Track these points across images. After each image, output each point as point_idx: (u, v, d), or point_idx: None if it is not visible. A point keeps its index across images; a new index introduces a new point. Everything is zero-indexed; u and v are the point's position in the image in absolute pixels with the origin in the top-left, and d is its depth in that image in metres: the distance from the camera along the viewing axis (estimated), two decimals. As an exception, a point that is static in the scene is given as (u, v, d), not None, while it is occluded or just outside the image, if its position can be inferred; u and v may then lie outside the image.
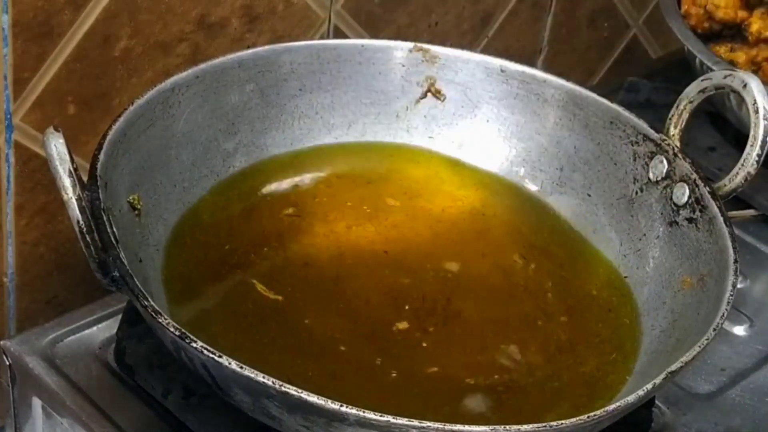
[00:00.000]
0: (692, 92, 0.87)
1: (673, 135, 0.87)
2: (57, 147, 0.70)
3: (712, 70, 1.04)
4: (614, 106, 0.90)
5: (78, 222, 0.70)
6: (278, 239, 0.85)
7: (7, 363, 0.84)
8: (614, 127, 0.89)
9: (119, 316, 0.83)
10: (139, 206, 0.79)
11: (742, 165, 0.83)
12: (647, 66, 1.31)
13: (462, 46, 0.95)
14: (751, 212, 1.02)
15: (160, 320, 0.67)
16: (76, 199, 0.70)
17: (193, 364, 0.68)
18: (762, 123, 0.82)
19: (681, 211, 0.84)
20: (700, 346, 0.71)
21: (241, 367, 0.65)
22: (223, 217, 0.85)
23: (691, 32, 1.11)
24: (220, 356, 0.65)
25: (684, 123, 0.87)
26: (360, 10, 1.04)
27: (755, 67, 1.11)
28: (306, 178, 0.90)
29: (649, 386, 0.69)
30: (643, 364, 0.79)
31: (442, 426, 0.64)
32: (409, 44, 0.93)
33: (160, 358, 0.79)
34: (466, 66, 0.93)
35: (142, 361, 0.80)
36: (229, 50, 0.89)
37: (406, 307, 0.81)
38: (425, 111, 0.93)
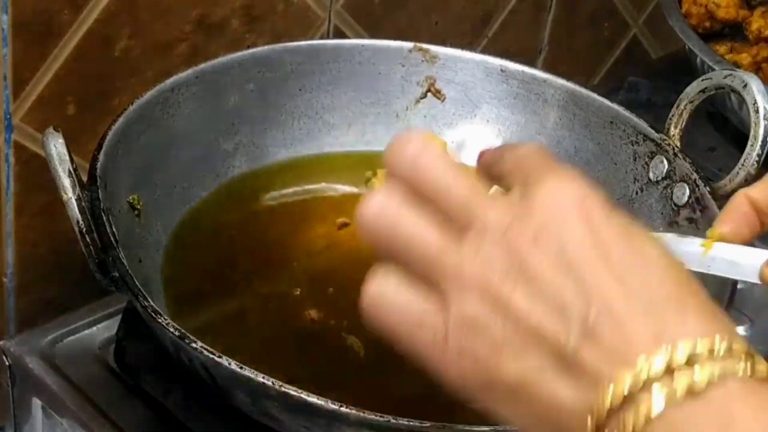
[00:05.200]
0: (692, 92, 0.86)
1: (674, 135, 0.87)
2: (57, 147, 0.70)
3: (713, 69, 1.04)
4: (614, 106, 0.90)
5: (78, 222, 0.70)
6: (278, 240, 0.85)
7: (7, 363, 0.84)
8: (614, 127, 0.89)
9: (119, 317, 0.83)
10: (138, 206, 0.79)
11: (743, 165, 0.83)
12: (647, 66, 1.31)
13: (462, 46, 0.95)
14: (751, 212, 1.02)
15: (159, 320, 0.67)
16: (76, 200, 0.70)
17: (193, 365, 0.68)
18: (762, 123, 0.82)
19: (681, 211, 0.84)
20: (700, 347, 0.71)
21: (241, 368, 0.65)
22: (223, 217, 0.85)
23: (692, 31, 1.11)
24: (219, 356, 0.65)
25: (684, 123, 0.87)
26: (360, 10, 1.03)
27: (756, 67, 1.11)
28: (305, 180, 0.90)
29: (650, 386, 0.68)
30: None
31: (441, 426, 0.64)
32: (409, 44, 0.93)
33: (159, 359, 0.79)
34: (466, 66, 0.93)
35: (142, 362, 0.80)
36: (229, 50, 0.89)
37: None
38: (425, 111, 0.93)
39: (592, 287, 0.49)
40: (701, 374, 0.46)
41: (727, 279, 0.76)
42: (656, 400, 0.46)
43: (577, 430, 0.48)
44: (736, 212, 0.69)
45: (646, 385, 0.46)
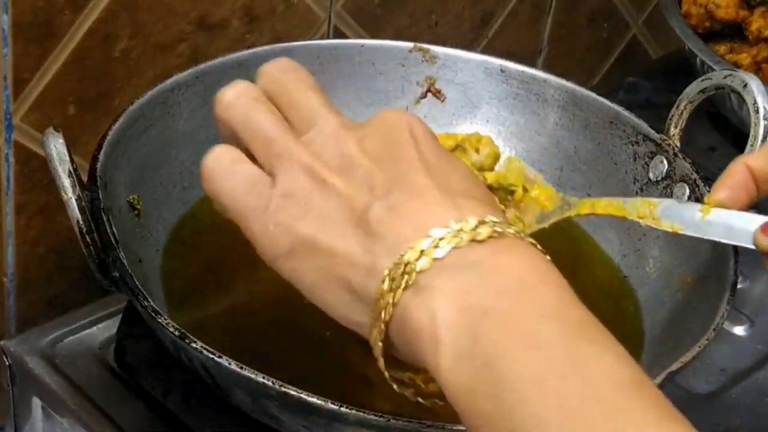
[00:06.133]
0: (692, 92, 0.86)
1: (673, 135, 0.87)
2: (57, 147, 0.70)
3: (713, 69, 1.04)
4: (614, 106, 0.90)
5: (78, 222, 0.70)
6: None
7: (7, 363, 0.84)
8: (614, 127, 0.89)
9: (119, 316, 0.83)
10: (139, 206, 0.79)
11: (742, 165, 0.83)
12: (647, 66, 1.31)
13: (462, 47, 0.95)
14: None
15: (159, 320, 0.67)
16: (76, 199, 0.70)
17: (193, 365, 0.68)
18: (762, 123, 0.82)
19: (681, 212, 0.84)
20: (700, 346, 0.71)
21: (241, 368, 0.65)
22: (223, 218, 0.85)
23: (692, 32, 1.11)
24: (220, 356, 0.65)
25: (684, 123, 0.87)
26: (360, 10, 1.03)
27: (756, 68, 1.11)
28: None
29: (649, 386, 0.68)
30: (643, 364, 0.79)
31: (442, 426, 0.64)
32: (409, 44, 0.93)
33: (159, 358, 0.79)
34: (466, 66, 0.93)
35: (142, 361, 0.80)
36: (229, 50, 0.89)
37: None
38: (425, 111, 0.93)
39: (403, 174, 0.57)
40: (483, 231, 0.54)
41: (728, 277, 0.76)
42: (443, 247, 0.54)
43: (368, 283, 0.55)
44: (734, 179, 0.72)
45: (438, 244, 0.54)
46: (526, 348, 0.51)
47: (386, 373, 0.57)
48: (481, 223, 0.55)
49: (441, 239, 0.54)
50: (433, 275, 0.54)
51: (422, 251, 0.54)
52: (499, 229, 0.55)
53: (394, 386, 0.58)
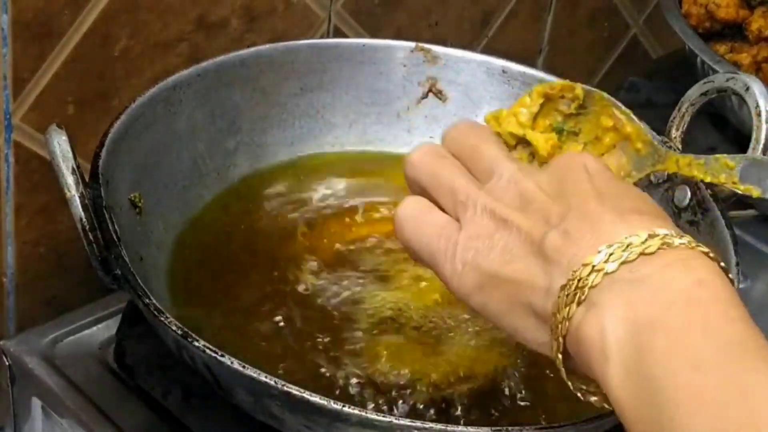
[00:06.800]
0: (694, 95, 0.86)
1: (675, 137, 0.87)
2: (60, 144, 0.70)
3: (713, 69, 1.04)
4: (615, 107, 0.89)
5: (81, 219, 0.70)
6: (278, 239, 0.85)
7: (7, 363, 0.84)
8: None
9: (119, 316, 0.83)
10: (140, 204, 0.79)
11: (744, 168, 0.82)
12: (647, 66, 1.31)
13: (462, 46, 0.95)
14: (752, 212, 1.02)
15: (162, 319, 0.67)
16: (79, 197, 0.70)
17: (195, 364, 0.68)
18: (764, 126, 0.81)
19: (682, 214, 0.84)
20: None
21: (244, 367, 0.64)
22: (224, 216, 0.85)
23: (692, 31, 1.11)
24: (222, 355, 0.65)
25: (686, 125, 0.87)
26: (360, 10, 1.03)
27: (756, 67, 1.11)
28: (306, 180, 0.90)
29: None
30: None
31: (444, 427, 0.64)
32: (411, 44, 0.93)
33: (160, 359, 0.79)
34: (467, 66, 0.93)
35: (142, 362, 0.80)
36: (229, 50, 0.89)
37: (407, 308, 0.80)
38: (426, 111, 0.93)
39: (576, 203, 0.61)
40: (653, 244, 0.57)
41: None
42: (613, 261, 0.57)
43: (546, 303, 0.59)
44: None
45: (609, 259, 0.57)
46: (688, 367, 0.53)
47: (569, 384, 0.61)
48: (651, 236, 0.57)
49: (611, 254, 0.57)
50: (604, 290, 0.57)
51: (593, 267, 0.57)
52: (669, 241, 0.57)
53: (578, 394, 0.61)
